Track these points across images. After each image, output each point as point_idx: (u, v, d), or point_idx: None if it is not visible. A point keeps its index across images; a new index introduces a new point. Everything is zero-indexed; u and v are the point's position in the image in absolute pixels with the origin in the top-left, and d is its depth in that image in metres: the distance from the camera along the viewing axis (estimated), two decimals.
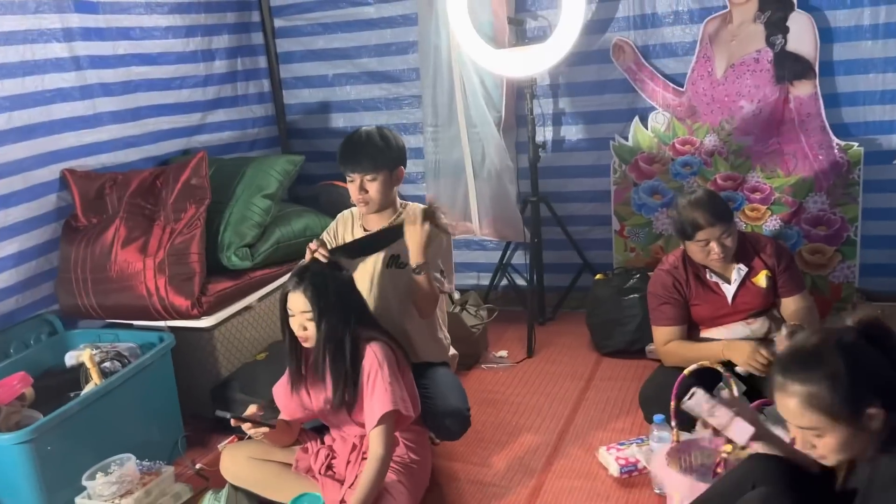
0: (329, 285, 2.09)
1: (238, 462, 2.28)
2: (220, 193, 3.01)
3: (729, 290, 2.51)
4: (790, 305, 2.53)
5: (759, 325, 2.53)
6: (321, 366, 2.09)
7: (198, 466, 2.54)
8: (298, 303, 2.06)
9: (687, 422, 2.10)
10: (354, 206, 3.63)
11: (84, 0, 2.85)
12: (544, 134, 3.50)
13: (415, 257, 2.24)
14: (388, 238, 2.33)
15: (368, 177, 2.34)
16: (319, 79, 3.90)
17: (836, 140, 3.03)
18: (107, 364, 2.48)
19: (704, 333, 2.58)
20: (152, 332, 2.75)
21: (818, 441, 1.34)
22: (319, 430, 2.40)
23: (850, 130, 3.05)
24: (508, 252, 3.74)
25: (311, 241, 2.26)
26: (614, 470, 2.32)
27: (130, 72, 3.09)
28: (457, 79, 3.41)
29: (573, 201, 3.57)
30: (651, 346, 3.10)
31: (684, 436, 2.15)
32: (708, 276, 2.52)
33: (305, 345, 2.12)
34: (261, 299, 3.10)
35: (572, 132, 3.51)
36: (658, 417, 2.23)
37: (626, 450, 2.39)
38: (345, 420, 2.21)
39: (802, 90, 3.04)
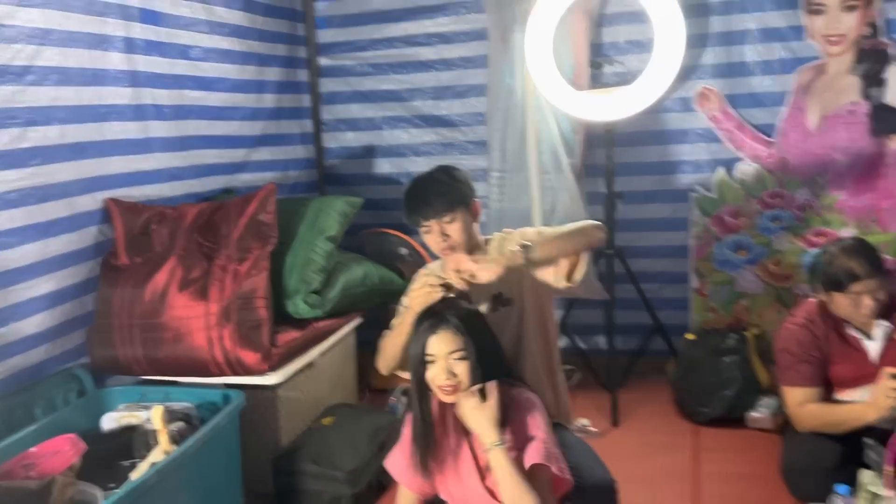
0: (471, 317, 1.75)
1: None
2: (281, 234, 2.64)
3: (872, 346, 2.28)
4: None
5: None
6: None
7: None
8: (444, 343, 1.70)
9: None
10: (403, 253, 3.36)
11: (149, 9, 2.53)
12: (616, 184, 3.28)
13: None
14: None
15: (446, 219, 1.98)
16: (365, 122, 3.63)
17: None
18: (172, 427, 2.03)
19: (840, 396, 2.32)
20: (208, 390, 2.32)
21: None
22: None
23: None
24: (569, 311, 3.45)
25: (428, 281, 1.93)
26: None
27: (184, 95, 2.75)
28: (530, 123, 3.19)
29: (646, 257, 3.33)
30: (755, 414, 2.83)
31: None
32: (848, 332, 2.29)
33: (449, 398, 1.73)
34: (323, 354, 2.71)
35: (647, 183, 3.31)
36: (843, 489, 1.93)
37: None
38: (476, 493, 1.82)
39: None
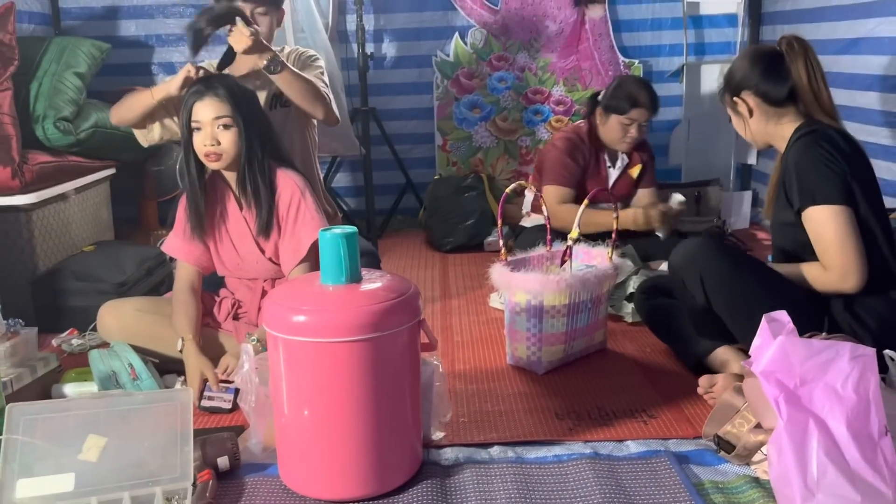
0: (243, 91, 1.87)
1: (124, 315, 1.93)
2: (23, 65, 2.51)
3: (613, 174, 2.73)
4: (645, 197, 2.79)
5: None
6: (246, 184, 1.85)
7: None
8: (210, 109, 1.77)
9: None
10: None
11: None
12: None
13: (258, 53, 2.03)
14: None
15: (261, 9, 2.14)
16: None
17: (622, 58, 3.58)
18: None
19: None
20: None
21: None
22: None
23: (631, 52, 3.62)
24: (332, 173, 3.68)
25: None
26: None
27: None
28: None
29: (397, 119, 3.64)
30: (490, 239, 3.30)
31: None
32: (602, 156, 2.72)
33: (214, 165, 1.82)
34: (78, 191, 2.64)
35: (394, 49, 3.61)
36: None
37: None
38: (253, 263, 1.98)
39: (595, 13, 3.54)
